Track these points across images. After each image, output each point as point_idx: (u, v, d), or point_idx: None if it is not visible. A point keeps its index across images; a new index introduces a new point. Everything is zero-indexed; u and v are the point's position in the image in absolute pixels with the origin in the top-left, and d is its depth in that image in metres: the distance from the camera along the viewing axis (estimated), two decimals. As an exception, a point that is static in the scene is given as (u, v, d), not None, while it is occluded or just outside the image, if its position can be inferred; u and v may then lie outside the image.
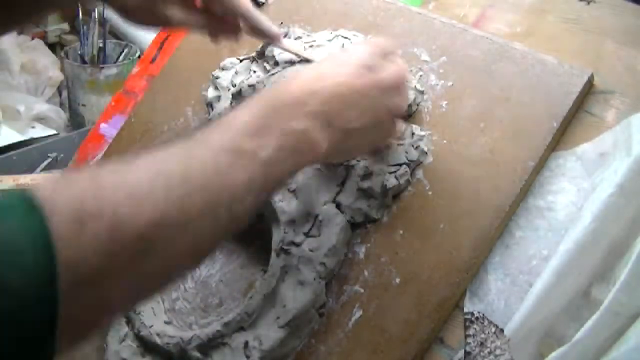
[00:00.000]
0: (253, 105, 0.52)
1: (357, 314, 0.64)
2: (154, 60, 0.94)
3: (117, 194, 0.42)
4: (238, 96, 0.73)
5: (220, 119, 0.51)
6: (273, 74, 0.69)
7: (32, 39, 1.57)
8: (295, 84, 0.54)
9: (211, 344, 0.65)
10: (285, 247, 0.65)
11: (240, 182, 0.48)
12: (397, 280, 0.63)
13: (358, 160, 0.66)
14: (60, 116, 1.44)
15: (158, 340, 0.68)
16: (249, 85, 0.72)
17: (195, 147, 0.48)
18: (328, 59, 0.60)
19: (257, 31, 0.70)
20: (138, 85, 0.93)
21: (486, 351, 0.58)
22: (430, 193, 0.65)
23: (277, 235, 0.67)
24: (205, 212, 0.46)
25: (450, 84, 0.68)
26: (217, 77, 0.80)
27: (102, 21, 1.40)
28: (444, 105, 0.68)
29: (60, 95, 1.55)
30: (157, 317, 0.70)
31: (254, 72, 0.75)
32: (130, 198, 0.42)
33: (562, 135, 0.63)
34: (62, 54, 1.41)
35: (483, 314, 0.60)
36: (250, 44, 0.82)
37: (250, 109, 0.52)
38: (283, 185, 0.54)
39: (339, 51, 0.61)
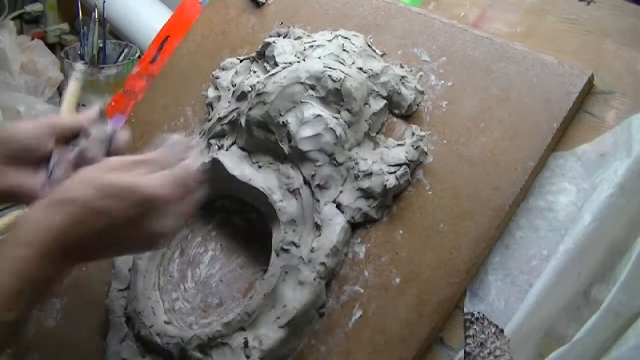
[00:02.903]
0: None
1: (357, 314, 0.64)
2: (154, 60, 0.94)
3: None
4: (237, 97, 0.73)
5: None
6: (273, 74, 0.69)
7: (32, 39, 1.57)
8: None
9: (211, 344, 0.65)
10: (285, 247, 0.65)
11: None
12: (397, 280, 0.63)
13: (357, 163, 0.66)
14: (60, 116, 1.44)
15: (158, 340, 0.68)
16: (249, 85, 0.71)
17: None
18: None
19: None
20: (138, 85, 0.93)
21: (486, 351, 0.58)
22: (430, 193, 0.65)
23: (277, 235, 0.67)
24: None
25: (450, 84, 0.68)
26: (217, 77, 0.80)
27: (102, 21, 1.40)
28: (444, 105, 0.68)
29: (60, 95, 1.55)
30: (157, 317, 0.70)
31: (254, 72, 0.75)
32: None
33: (562, 136, 0.63)
34: (62, 54, 1.41)
35: (483, 314, 0.60)
36: (250, 44, 0.82)
37: None
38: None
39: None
